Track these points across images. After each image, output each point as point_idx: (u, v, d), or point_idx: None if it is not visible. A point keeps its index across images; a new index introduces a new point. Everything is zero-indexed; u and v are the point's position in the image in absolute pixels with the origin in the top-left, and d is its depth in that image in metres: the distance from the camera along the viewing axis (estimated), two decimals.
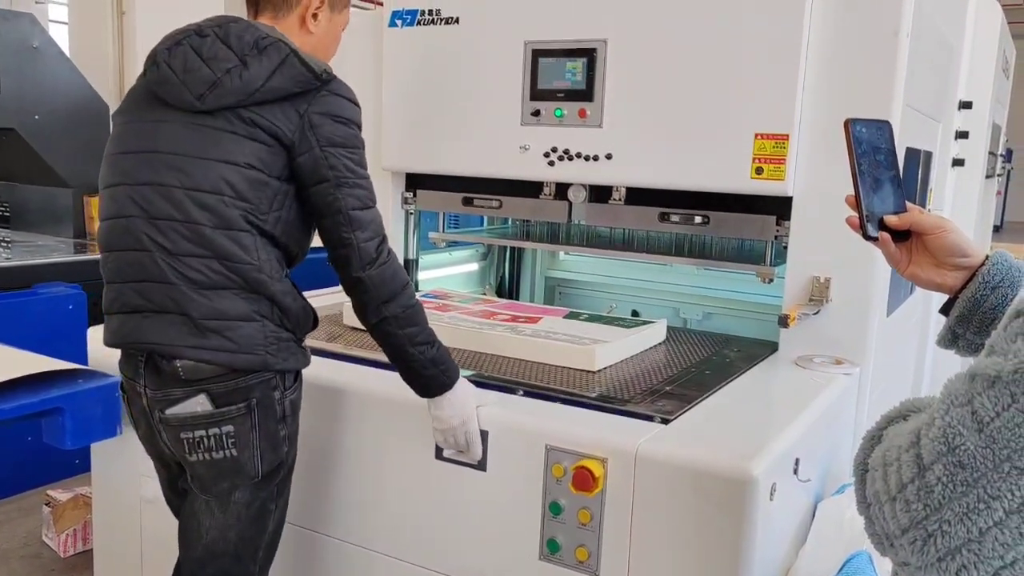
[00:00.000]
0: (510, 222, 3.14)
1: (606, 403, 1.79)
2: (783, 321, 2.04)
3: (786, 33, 2.05)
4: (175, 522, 2.14)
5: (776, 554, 1.66)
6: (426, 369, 1.64)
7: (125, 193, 1.59)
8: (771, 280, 2.32)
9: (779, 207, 2.18)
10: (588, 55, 2.27)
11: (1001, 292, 1.10)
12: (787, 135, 2.07)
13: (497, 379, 1.92)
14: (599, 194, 2.41)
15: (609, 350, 2.10)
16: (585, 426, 1.67)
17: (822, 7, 2.04)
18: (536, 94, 2.35)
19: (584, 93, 2.29)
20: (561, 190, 2.45)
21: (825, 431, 1.89)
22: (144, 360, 1.61)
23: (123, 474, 2.27)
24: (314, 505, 1.98)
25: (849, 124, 1.15)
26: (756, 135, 2.10)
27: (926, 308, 3.10)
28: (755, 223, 2.25)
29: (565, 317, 2.42)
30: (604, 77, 2.25)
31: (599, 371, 2.03)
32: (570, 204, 2.46)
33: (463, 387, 1.70)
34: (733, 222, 2.28)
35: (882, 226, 1.16)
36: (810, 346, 2.15)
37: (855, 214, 1.16)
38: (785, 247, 2.20)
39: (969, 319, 1.12)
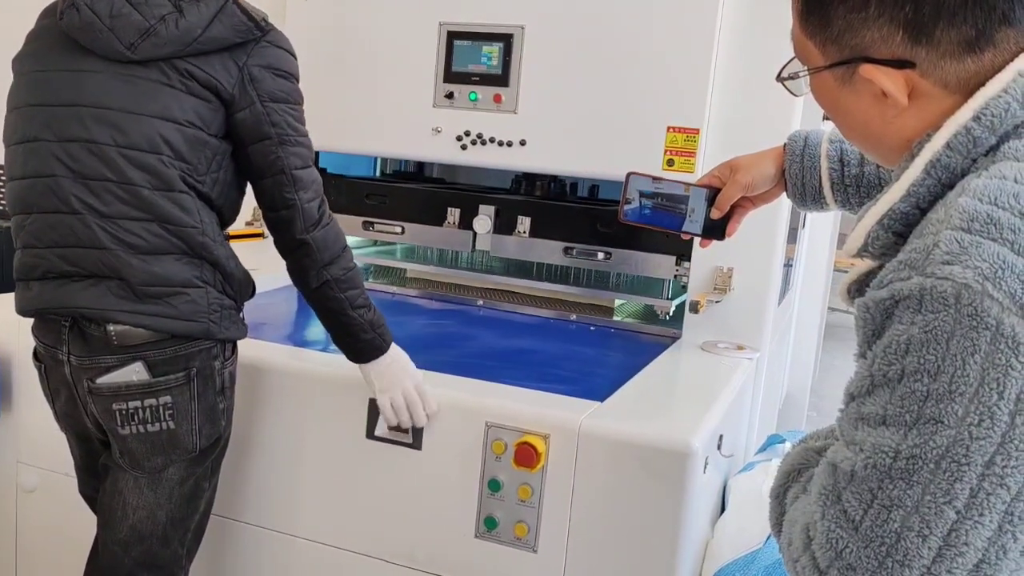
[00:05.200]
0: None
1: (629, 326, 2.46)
2: (693, 307, 2.12)
3: (699, 28, 2.13)
4: (58, 515, 1.97)
5: (699, 529, 1.72)
6: (365, 332, 1.59)
7: (47, 150, 1.43)
8: (668, 315, 2.40)
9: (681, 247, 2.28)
10: (505, 40, 2.28)
11: (808, 155, 1.24)
12: (698, 129, 2.15)
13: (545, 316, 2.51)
14: (504, 226, 2.45)
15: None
16: (525, 403, 1.67)
17: (734, 4, 2.14)
18: (450, 76, 2.33)
19: (499, 78, 2.29)
20: (466, 219, 2.47)
21: (735, 412, 1.98)
22: (68, 326, 1.46)
23: None
24: (233, 492, 1.85)
25: (622, 213, 1.35)
26: (668, 128, 2.18)
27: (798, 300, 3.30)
28: (655, 262, 2.36)
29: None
30: (520, 63, 2.26)
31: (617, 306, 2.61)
32: (475, 234, 2.47)
33: (396, 349, 1.66)
34: (634, 260, 2.38)
35: (719, 222, 1.32)
36: (711, 333, 2.24)
37: (707, 240, 1.34)
38: (684, 286, 2.30)
39: (804, 193, 1.26)
